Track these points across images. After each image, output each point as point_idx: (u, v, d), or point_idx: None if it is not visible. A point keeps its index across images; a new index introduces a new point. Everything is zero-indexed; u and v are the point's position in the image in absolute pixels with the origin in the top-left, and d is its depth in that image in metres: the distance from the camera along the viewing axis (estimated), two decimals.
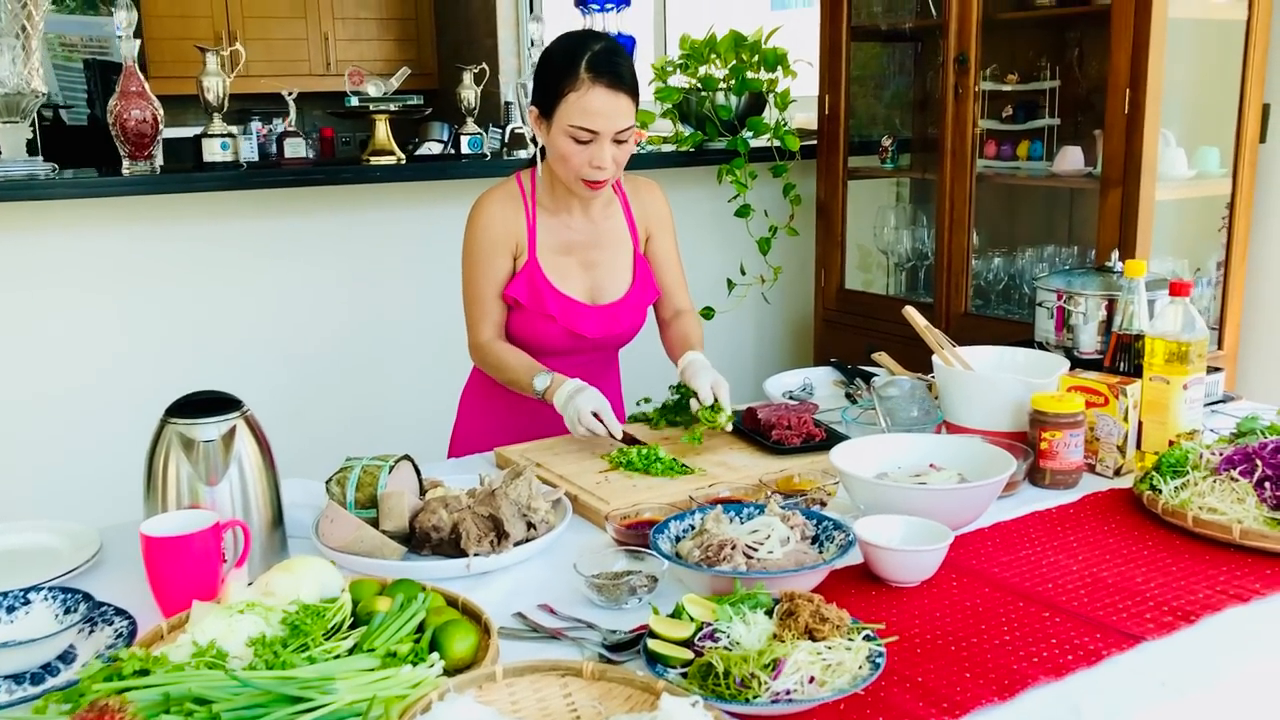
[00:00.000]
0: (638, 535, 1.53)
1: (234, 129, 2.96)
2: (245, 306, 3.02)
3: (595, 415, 1.90)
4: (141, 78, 2.78)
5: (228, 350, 3.00)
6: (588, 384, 1.95)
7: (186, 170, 2.92)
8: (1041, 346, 2.26)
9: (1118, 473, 1.84)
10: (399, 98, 3.15)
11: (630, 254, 2.18)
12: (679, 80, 3.60)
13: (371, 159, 3.09)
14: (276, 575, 1.35)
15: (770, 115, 3.53)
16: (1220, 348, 2.93)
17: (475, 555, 1.49)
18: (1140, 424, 1.85)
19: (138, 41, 2.77)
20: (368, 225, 3.08)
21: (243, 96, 6.62)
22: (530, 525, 1.55)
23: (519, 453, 1.95)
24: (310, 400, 3.11)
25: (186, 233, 2.92)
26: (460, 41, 6.74)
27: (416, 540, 1.56)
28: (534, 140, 2.08)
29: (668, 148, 3.58)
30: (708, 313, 3.54)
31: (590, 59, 1.92)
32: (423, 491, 1.69)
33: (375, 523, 1.57)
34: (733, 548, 1.42)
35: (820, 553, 1.48)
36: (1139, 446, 1.85)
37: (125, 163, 2.81)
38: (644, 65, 3.61)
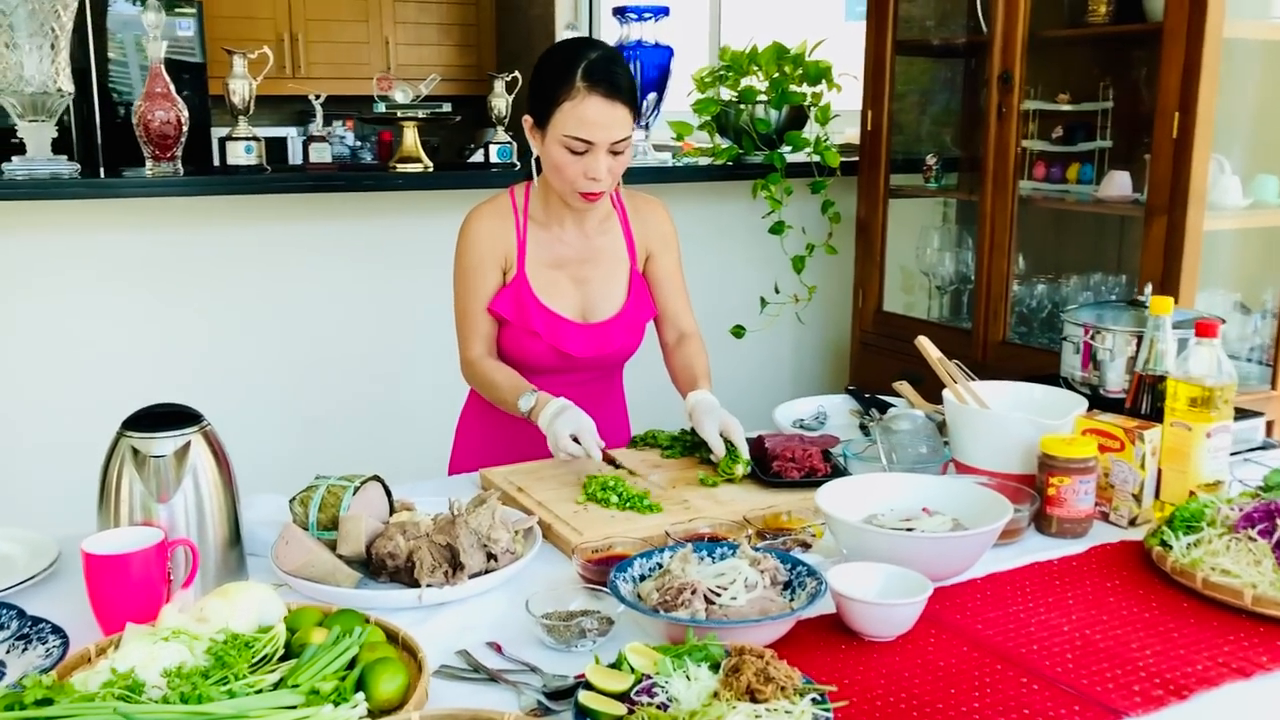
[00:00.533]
0: (604, 572, 1.46)
1: (256, 131, 2.94)
2: (264, 311, 3.01)
3: (574, 438, 1.84)
4: (167, 79, 2.78)
5: (244, 355, 2.99)
6: (572, 404, 1.89)
7: (209, 173, 2.91)
8: (1067, 383, 2.15)
9: (1133, 523, 1.73)
10: (427, 105, 3.12)
11: (626, 271, 2.12)
12: (723, 93, 3.52)
13: (398, 166, 3.07)
14: (212, 601, 1.31)
15: (811, 130, 3.44)
16: (1275, 388, 2.78)
17: (428, 586, 1.43)
18: (1160, 472, 1.74)
19: (164, 44, 2.77)
20: (392, 232, 3.05)
21: (302, 99, 6.73)
22: (490, 556, 1.49)
23: (503, 475, 1.89)
24: (326, 409, 3.09)
25: (207, 236, 2.92)
26: (519, 49, 6.73)
27: (374, 567, 1.50)
28: (528, 152, 2.01)
29: (704, 161, 3.50)
30: (738, 331, 3.46)
31: (587, 67, 1.86)
32: (393, 514, 1.64)
33: (336, 546, 1.52)
34: (693, 592, 1.34)
35: (791, 600, 1.39)
36: (1158, 496, 1.74)
37: (149, 164, 2.81)
38: (684, 76, 3.56)
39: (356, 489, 1.58)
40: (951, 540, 1.48)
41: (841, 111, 3.49)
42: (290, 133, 6.72)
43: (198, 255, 2.92)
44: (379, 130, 6.95)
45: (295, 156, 6.47)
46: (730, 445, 1.87)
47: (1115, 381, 2.07)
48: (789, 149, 3.40)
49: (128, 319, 2.88)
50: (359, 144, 7.11)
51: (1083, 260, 3.20)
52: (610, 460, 1.86)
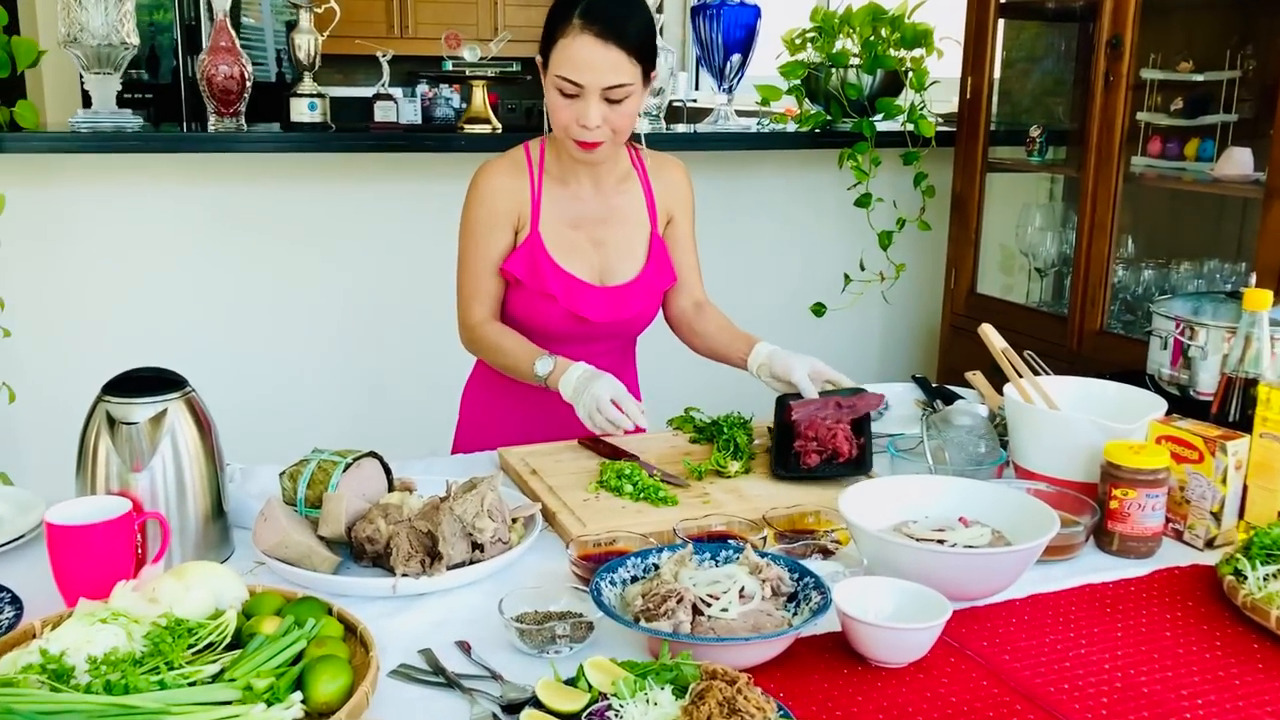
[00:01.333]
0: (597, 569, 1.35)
1: (322, 90, 2.88)
2: (326, 270, 2.97)
3: (614, 404, 1.74)
4: (232, 33, 2.74)
5: (303, 315, 2.96)
6: (597, 370, 1.79)
7: (272, 130, 2.87)
8: (1153, 381, 1.94)
9: (1210, 544, 1.54)
10: (496, 63, 3.03)
11: (646, 234, 2.00)
12: (814, 56, 3.34)
13: (466, 127, 2.98)
14: (166, 581, 1.24)
15: (906, 98, 3.24)
16: None
17: (403, 576, 1.33)
18: (1245, 489, 1.54)
19: None
20: (457, 194, 2.96)
21: (411, 59, 6.71)
22: (476, 546, 1.39)
23: (520, 456, 1.79)
24: (382, 375, 3.05)
25: (269, 193, 2.89)
26: None
27: (355, 550, 1.42)
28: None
29: (792, 127, 3.33)
30: (819, 309, 3.30)
31: (588, 4, 1.75)
32: (391, 488, 1.56)
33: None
34: (678, 601, 1.22)
35: (793, 615, 1.26)
36: (1241, 515, 1.54)
37: (211, 119, 2.78)
38: (775, 38, 3.39)
39: (348, 465, 1.49)
40: (981, 557, 1.32)
41: (941, 78, 3.28)
42: (396, 93, 6.73)
43: (259, 212, 2.89)
44: (488, 92, 6.92)
45: (401, 117, 6.47)
46: (731, 438, 1.77)
47: (1208, 383, 1.86)
48: (880, 117, 3.21)
49: (186, 275, 2.87)
50: (464, 105, 7.08)
51: (1198, 245, 2.94)
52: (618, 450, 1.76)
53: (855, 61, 3.22)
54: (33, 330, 2.72)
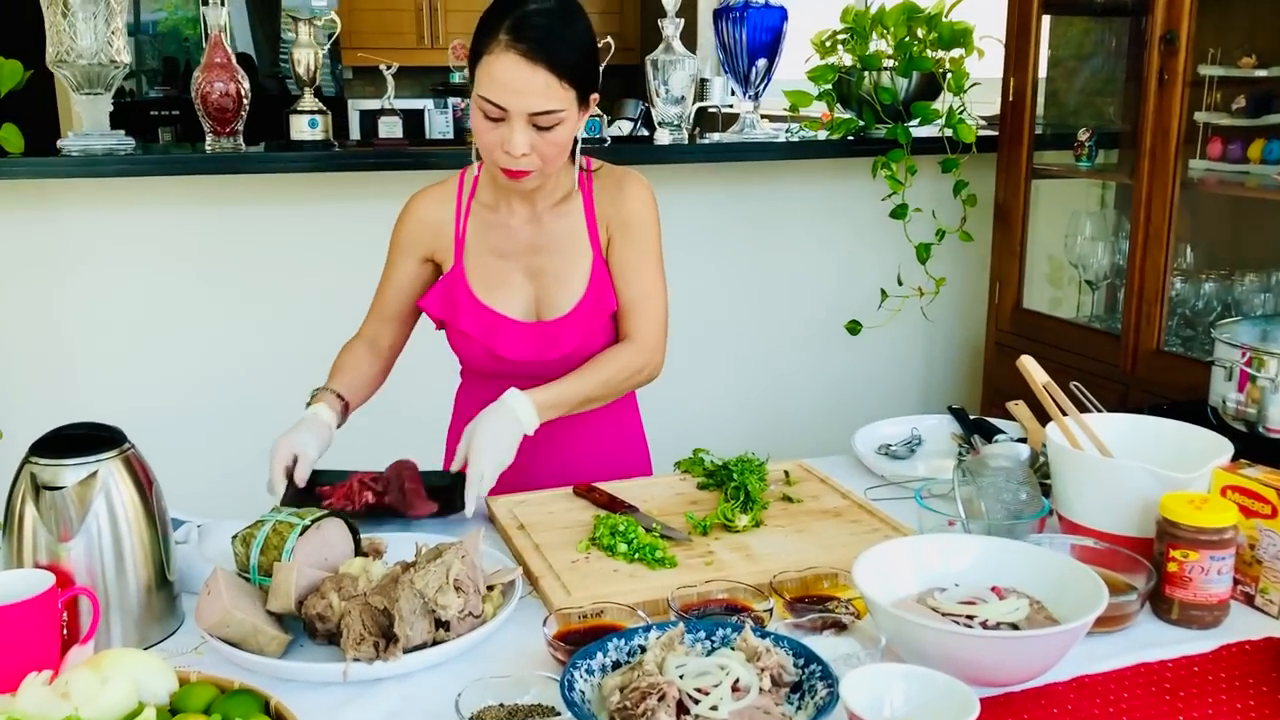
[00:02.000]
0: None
1: (321, 106, 2.75)
2: (325, 291, 2.83)
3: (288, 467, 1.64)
4: (227, 49, 2.63)
5: (300, 339, 2.82)
6: (315, 420, 1.71)
7: (271, 149, 2.74)
8: (1217, 415, 1.75)
9: None
10: None
11: (588, 262, 1.81)
12: (846, 58, 3.16)
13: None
14: (80, 674, 1.10)
15: (944, 101, 3.05)
16: None
17: (354, 660, 1.18)
18: None
19: (225, 10, 2.60)
20: None
21: (442, 70, 6.62)
22: (441, 624, 1.24)
23: (509, 506, 1.64)
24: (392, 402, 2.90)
25: (270, 214, 2.77)
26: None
27: (308, 627, 1.27)
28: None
29: (823, 134, 3.15)
30: (854, 327, 3.11)
31: (517, 18, 1.59)
32: (359, 553, 1.41)
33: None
34: (660, 698, 1.06)
35: (795, 711, 1.09)
36: None
37: (208, 139, 2.66)
38: (803, 40, 3.21)
39: (306, 527, 1.35)
40: (1015, 641, 1.15)
41: (981, 79, 3.09)
42: (428, 104, 6.64)
43: (260, 233, 2.77)
44: None
45: (434, 130, 6.38)
46: (742, 484, 1.61)
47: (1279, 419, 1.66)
48: (916, 122, 3.03)
49: (183, 301, 2.76)
50: None
51: (1265, 255, 2.72)
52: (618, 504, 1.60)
53: (889, 64, 3.04)
54: (19, 363, 2.62)
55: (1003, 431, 1.91)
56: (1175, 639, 1.30)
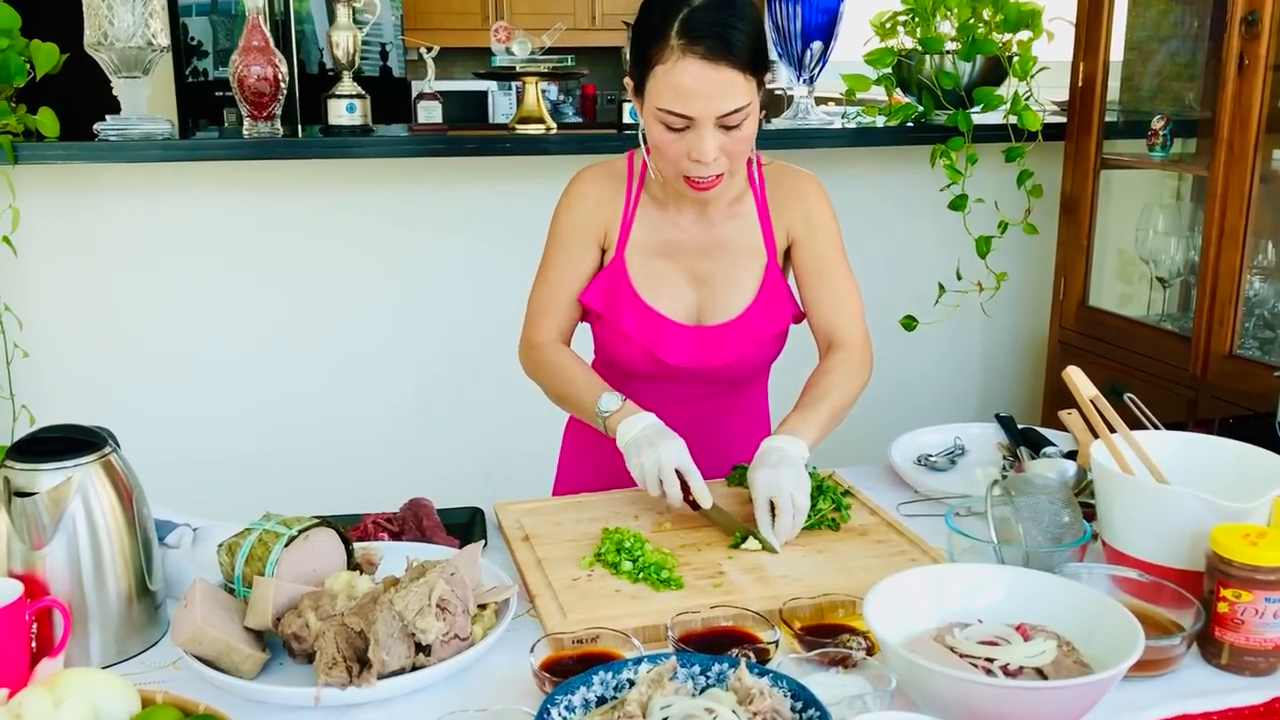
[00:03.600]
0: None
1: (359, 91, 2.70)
2: (364, 285, 2.80)
3: (679, 474, 1.50)
4: (266, 33, 2.58)
5: (340, 333, 2.80)
6: (664, 426, 1.55)
7: (311, 135, 2.71)
8: None
9: None
10: (550, 58, 2.81)
11: (761, 266, 1.72)
12: (906, 41, 3.03)
13: (518, 127, 2.77)
14: (35, 694, 1.05)
15: (1009, 87, 2.90)
16: None
17: (326, 686, 1.12)
18: None
19: None
20: (509, 200, 2.76)
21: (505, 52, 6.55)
22: (420, 648, 1.17)
23: (516, 516, 1.57)
24: (427, 399, 2.87)
25: (307, 199, 2.73)
26: None
27: (286, 646, 1.21)
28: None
29: (880, 121, 3.03)
30: (909, 323, 2.99)
31: (685, 18, 1.47)
32: (352, 568, 1.35)
33: None
34: None
35: None
36: None
37: (246, 123, 2.63)
38: (861, 21, 3.09)
39: (292, 538, 1.29)
40: (1037, 692, 1.04)
41: (1050, 63, 2.93)
42: (491, 86, 6.58)
43: (299, 220, 2.74)
44: (581, 84, 6.73)
45: (497, 114, 6.32)
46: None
47: None
48: (979, 109, 2.88)
49: (224, 288, 2.74)
50: (562, 98, 6.91)
51: None
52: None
53: (952, 47, 2.91)
54: (56, 349, 2.61)
55: (1052, 444, 1.79)
56: (1224, 687, 1.19)
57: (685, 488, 1.51)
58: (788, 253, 1.75)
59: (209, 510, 1.50)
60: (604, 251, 1.72)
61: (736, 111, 1.50)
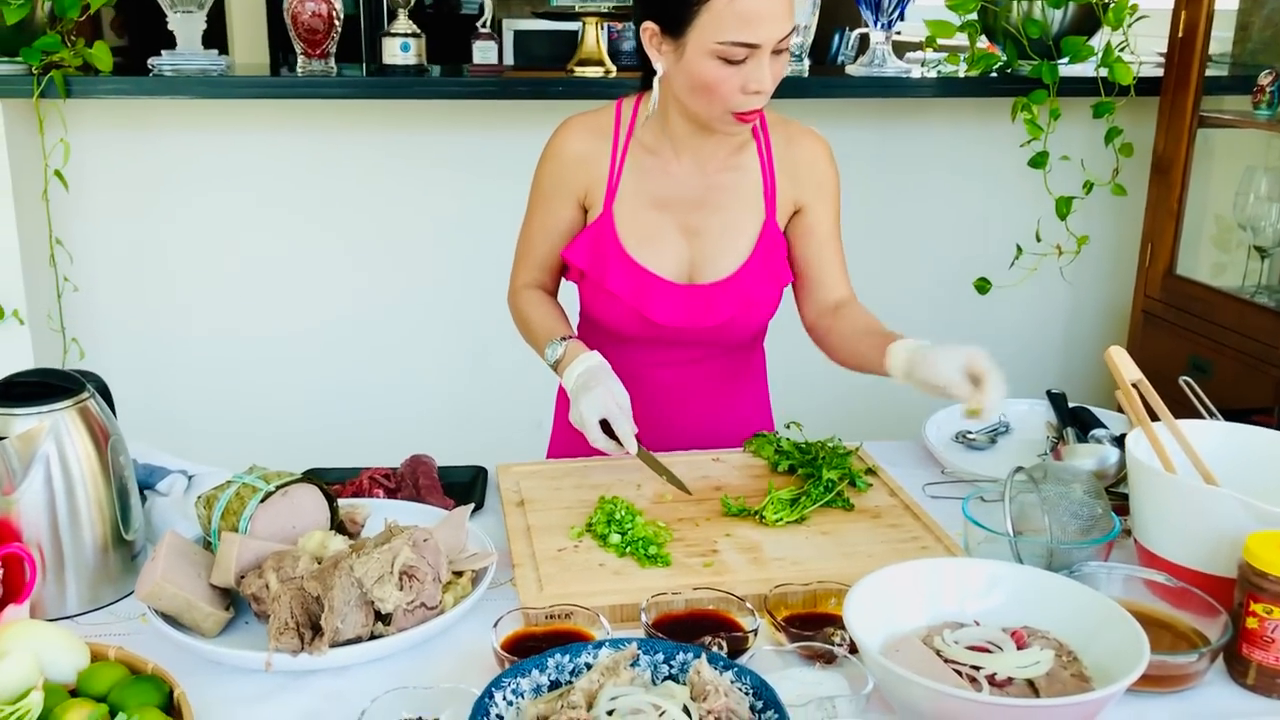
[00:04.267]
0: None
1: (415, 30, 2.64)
2: (411, 223, 2.78)
3: (604, 425, 1.48)
4: None
5: (392, 273, 2.78)
6: (605, 366, 1.53)
7: (363, 75, 2.67)
8: None
9: None
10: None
11: (758, 222, 1.65)
12: None
13: (576, 69, 2.69)
14: None
15: (1101, 37, 2.72)
16: None
17: (277, 652, 1.09)
18: None
19: None
20: None
21: None
22: (380, 616, 1.13)
23: (517, 478, 1.52)
24: (475, 343, 2.84)
25: (361, 140, 2.69)
26: None
27: (251, 607, 1.19)
28: (646, 65, 1.57)
29: (960, 70, 2.87)
30: (983, 285, 2.86)
31: None
32: (337, 528, 1.32)
33: None
34: None
35: None
36: None
37: (300, 61, 2.60)
38: None
39: (269, 494, 1.26)
40: (1020, 710, 0.96)
41: (1151, 10, 2.74)
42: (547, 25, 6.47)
43: (351, 161, 2.70)
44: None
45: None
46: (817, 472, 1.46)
47: None
48: (1066, 60, 2.71)
49: (274, 228, 2.73)
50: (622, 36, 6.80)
51: None
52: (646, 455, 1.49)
53: None
54: (106, 284, 2.64)
55: (1104, 426, 1.68)
56: (1248, 709, 1.09)
57: None
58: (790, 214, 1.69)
59: (250, 459, 1.49)
60: (586, 210, 1.66)
61: (792, 31, 1.46)
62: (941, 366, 1.42)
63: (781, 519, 1.39)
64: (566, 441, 1.68)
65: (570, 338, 1.59)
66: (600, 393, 1.48)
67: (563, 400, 1.85)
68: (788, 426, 1.64)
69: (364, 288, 2.79)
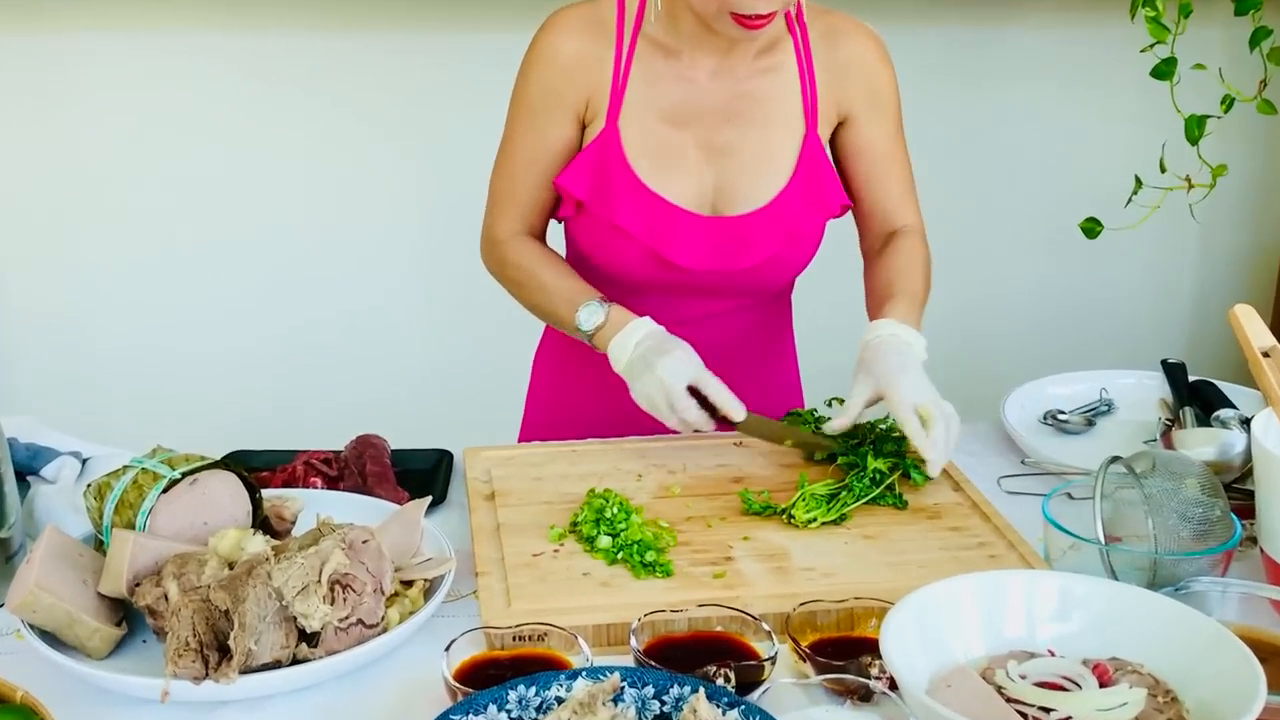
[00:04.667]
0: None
1: None
2: (359, 149, 2.83)
3: (694, 392, 1.50)
4: None
5: (321, 213, 2.84)
6: (666, 333, 1.54)
7: None
8: None
9: None
10: None
11: (797, 138, 1.66)
12: None
13: None
14: None
15: None
16: None
17: (175, 678, 1.10)
18: None
19: None
20: None
21: None
22: (305, 637, 1.14)
23: (486, 465, 1.54)
24: (452, 293, 2.85)
25: (295, 44, 2.75)
26: None
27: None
28: None
29: None
30: (1091, 227, 2.83)
31: None
32: (260, 525, 1.33)
33: None
34: None
35: None
36: None
37: None
38: None
39: (173, 482, 1.27)
40: None
41: None
42: None
43: (303, 68, 2.76)
44: None
45: None
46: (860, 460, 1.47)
47: None
48: None
49: (207, 147, 2.78)
50: None
51: None
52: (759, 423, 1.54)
53: None
54: (13, 209, 2.68)
55: (1232, 405, 1.66)
56: None
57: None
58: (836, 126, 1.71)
59: (172, 422, 1.51)
60: (585, 126, 1.64)
61: None
62: (855, 390, 1.50)
63: (815, 519, 1.39)
64: (545, 419, 1.70)
65: (608, 301, 1.58)
66: (681, 356, 1.50)
67: (543, 370, 1.86)
68: (829, 404, 1.63)
69: (305, 226, 2.84)
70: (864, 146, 1.69)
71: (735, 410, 1.50)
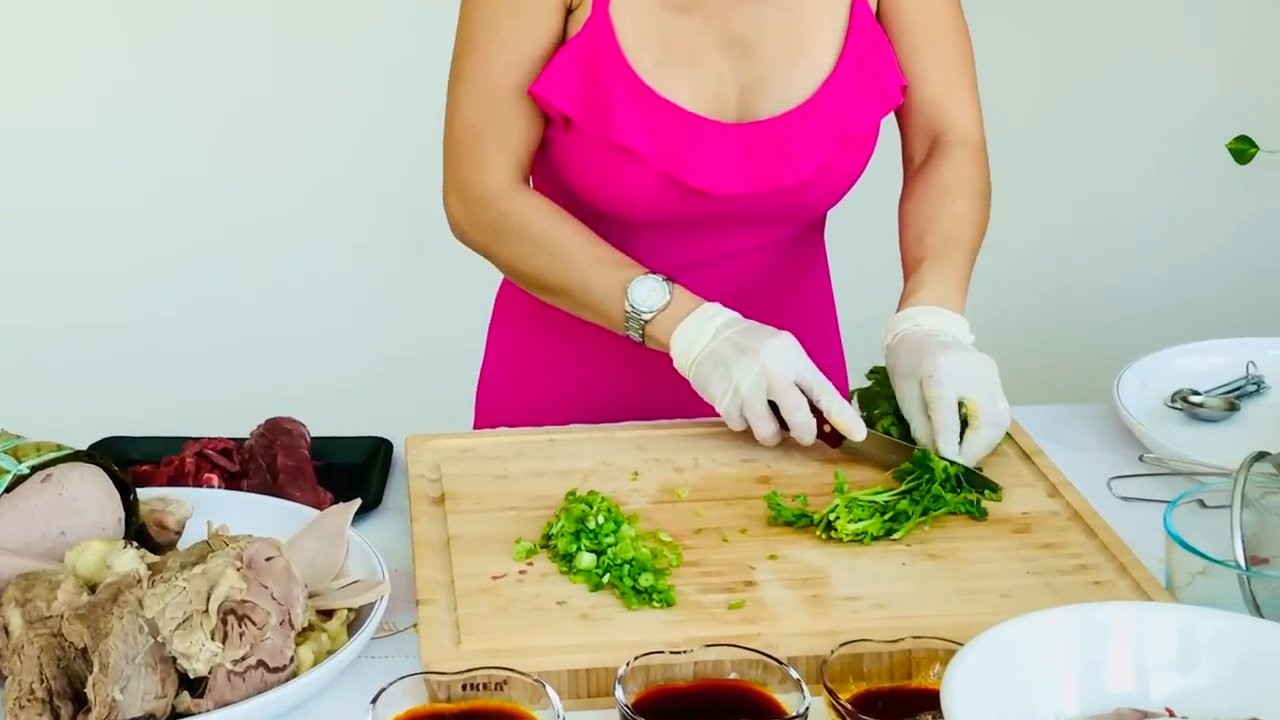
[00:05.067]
0: None
1: None
2: (287, 55, 2.94)
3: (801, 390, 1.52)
4: None
5: (238, 144, 2.94)
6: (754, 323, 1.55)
7: None
8: None
9: None
10: None
11: (841, 12, 1.68)
12: None
13: None
14: None
15: None
16: None
17: None
18: None
19: None
20: None
21: None
22: (188, 683, 1.13)
23: (436, 460, 1.54)
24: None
25: None
26: None
27: None
28: None
29: None
30: (1241, 149, 2.92)
31: None
32: (135, 535, 1.34)
33: None
34: None
35: None
36: None
37: None
38: None
39: (19, 479, 1.28)
40: None
41: None
42: None
43: None
44: None
45: None
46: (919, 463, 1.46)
47: None
48: None
49: (114, 58, 2.91)
50: None
51: None
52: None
53: None
54: None
55: None
56: None
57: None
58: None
59: (31, 403, 1.50)
60: (570, 11, 1.64)
61: None
62: (902, 389, 1.54)
63: (864, 533, 1.37)
64: (505, 396, 1.77)
65: (668, 279, 1.58)
66: (788, 344, 1.50)
67: (503, 334, 1.89)
68: (870, 376, 1.67)
69: (212, 159, 2.93)
70: (907, 17, 1.72)
71: (854, 426, 1.50)
